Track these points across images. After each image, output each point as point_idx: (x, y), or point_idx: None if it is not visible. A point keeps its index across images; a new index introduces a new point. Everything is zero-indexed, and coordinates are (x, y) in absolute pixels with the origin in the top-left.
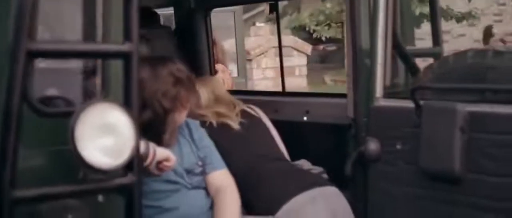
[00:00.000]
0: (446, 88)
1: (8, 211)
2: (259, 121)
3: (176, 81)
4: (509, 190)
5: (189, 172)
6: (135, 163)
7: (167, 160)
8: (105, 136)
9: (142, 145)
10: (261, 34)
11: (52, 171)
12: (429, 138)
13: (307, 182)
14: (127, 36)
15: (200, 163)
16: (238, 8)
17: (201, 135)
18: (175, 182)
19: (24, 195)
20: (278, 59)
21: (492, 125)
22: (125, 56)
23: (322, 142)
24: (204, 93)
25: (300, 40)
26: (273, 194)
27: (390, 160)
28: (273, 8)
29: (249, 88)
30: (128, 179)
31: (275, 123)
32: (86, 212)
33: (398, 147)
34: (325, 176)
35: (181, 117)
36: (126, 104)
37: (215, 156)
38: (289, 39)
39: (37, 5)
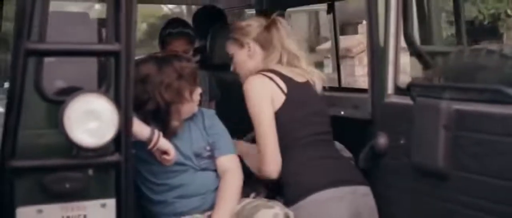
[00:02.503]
0: (434, 86)
1: (9, 176)
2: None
3: (179, 76)
4: (490, 189)
5: (197, 155)
6: (123, 144)
7: (167, 152)
8: (90, 120)
9: (148, 131)
10: (364, 32)
11: (56, 147)
12: (419, 134)
13: (341, 179)
14: (117, 37)
15: (208, 147)
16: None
17: (212, 122)
18: (183, 164)
19: (22, 165)
20: None
21: (475, 123)
22: (115, 55)
23: (352, 135)
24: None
25: None
26: (303, 183)
27: (395, 154)
28: (330, 8)
29: (345, 84)
30: (115, 157)
31: None
32: (81, 183)
33: (402, 142)
34: (352, 163)
35: (186, 108)
36: (116, 94)
37: (224, 142)
38: None
39: (43, 11)
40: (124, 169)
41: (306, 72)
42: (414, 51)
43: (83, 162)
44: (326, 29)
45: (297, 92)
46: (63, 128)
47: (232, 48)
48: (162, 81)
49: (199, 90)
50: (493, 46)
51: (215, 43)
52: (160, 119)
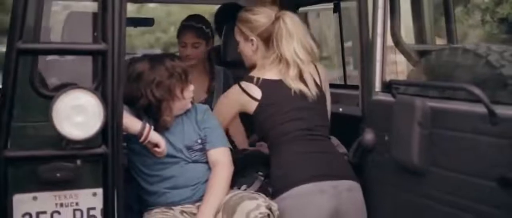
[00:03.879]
0: (409, 83)
1: (3, 165)
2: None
3: (170, 74)
4: (459, 185)
5: (189, 148)
6: (109, 137)
7: (158, 145)
8: (77, 115)
9: (139, 125)
10: None
11: (48, 139)
12: (397, 130)
13: (325, 173)
14: (103, 38)
15: (199, 141)
16: None
17: (204, 117)
18: (174, 156)
19: (14, 155)
20: None
21: (447, 120)
22: (102, 53)
23: (349, 132)
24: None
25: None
26: (288, 177)
27: (380, 150)
28: (336, 8)
29: None
30: (102, 149)
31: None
32: (71, 172)
33: (386, 138)
34: (346, 158)
35: (177, 105)
36: (103, 90)
37: (215, 136)
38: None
39: (37, 13)
40: (111, 160)
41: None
42: (401, 50)
43: (71, 153)
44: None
45: (276, 93)
46: (52, 122)
47: (238, 37)
48: (154, 79)
49: (191, 87)
50: (470, 46)
51: (227, 40)
52: (152, 114)
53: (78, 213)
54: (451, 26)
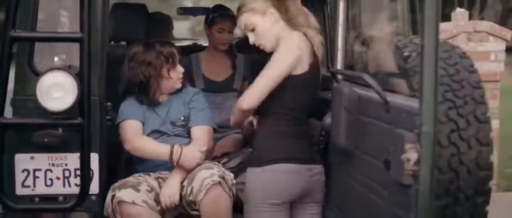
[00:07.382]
0: (341, 72)
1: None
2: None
3: (158, 56)
4: (368, 168)
5: (172, 123)
6: (85, 110)
7: None
8: (55, 91)
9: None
10: (459, 19)
11: (39, 110)
12: (334, 115)
13: (298, 156)
14: (81, 28)
15: (182, 118)
16: None
17: (193, 98)
18: (159, 131)
19: (9, 122)
20: (470, 43)
21: (365, 107)
22: (79, 40)
23: None
24: None
25: (497, 26)
26: (268, 153)
27: None
28: None
29: None
30: (78, 120)
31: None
32: (56, 138)
33: None
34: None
35: (165, 84)
36: (81, 72)
37: (200, 115)
38: (485, 24)
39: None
40: (87, 130)
41: None
42: (361, 40)
43: (53, 122)
44: None
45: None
46: (36, 96)
47: (250, 24)
48: (144, 60)
49: (180, 69)
50: (397, 37)
51: None
52: (146, 92)
53: (66, 172)
54: (416, 17)
